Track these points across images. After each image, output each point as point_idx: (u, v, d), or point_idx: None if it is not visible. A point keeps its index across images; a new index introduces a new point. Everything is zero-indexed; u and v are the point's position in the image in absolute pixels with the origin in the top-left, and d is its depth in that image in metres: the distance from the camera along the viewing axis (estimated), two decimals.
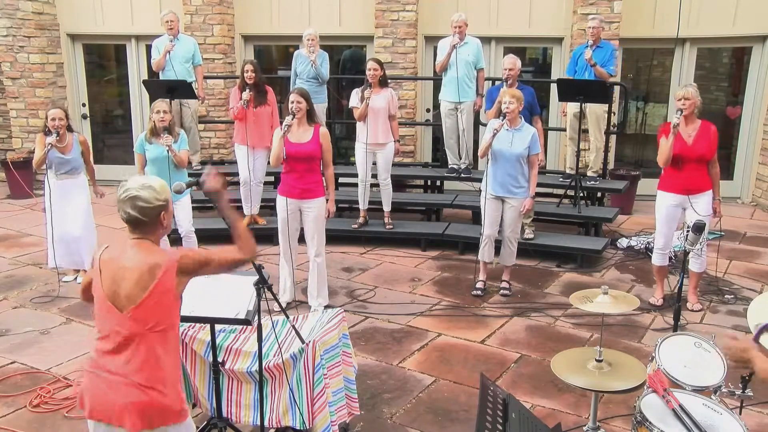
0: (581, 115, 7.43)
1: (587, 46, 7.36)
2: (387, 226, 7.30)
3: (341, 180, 8.19)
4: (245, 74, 6.90)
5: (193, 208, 6.24)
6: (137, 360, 2.53)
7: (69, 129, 5.95)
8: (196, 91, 7.96)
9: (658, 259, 5.71)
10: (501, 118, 5.47)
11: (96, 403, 2.57)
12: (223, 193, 2.80)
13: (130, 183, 2.59)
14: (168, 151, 5.66)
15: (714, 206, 5.43)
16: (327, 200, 5.47)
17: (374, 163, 7.06)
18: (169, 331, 2.60)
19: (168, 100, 6.28)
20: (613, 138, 8.50)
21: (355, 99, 6.81)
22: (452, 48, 7.13)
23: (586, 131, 7.75)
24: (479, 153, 5.79)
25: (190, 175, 6.39)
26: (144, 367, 2.53)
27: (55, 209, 5.95)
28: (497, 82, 7.85)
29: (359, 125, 6.89)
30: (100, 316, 2.59)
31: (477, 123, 7.70)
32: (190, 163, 6.86)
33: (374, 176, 7.15)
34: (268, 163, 7.05)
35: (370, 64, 6.77)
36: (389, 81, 7.09)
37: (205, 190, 2.80)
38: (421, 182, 8.76)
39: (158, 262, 2.54)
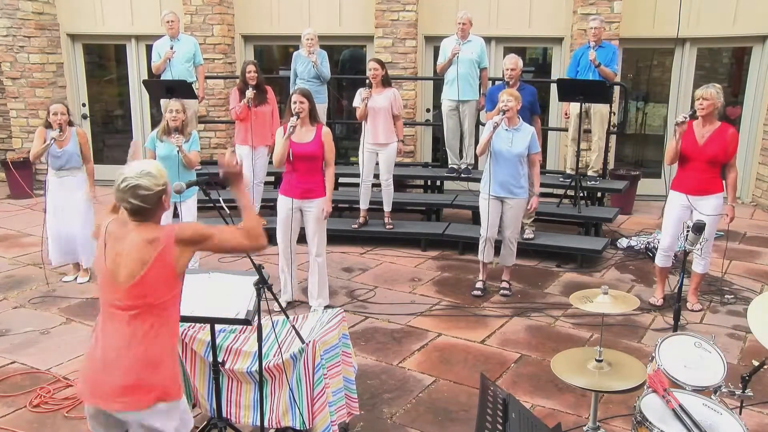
0: (583, 115, 7.44)
1: (589, 47, 7.36)
2: (387, 226, 7.30)
3: (341, 180, 8.19)
4: (247, 74, 6.92)
5: (197, 209, 6.23)
6: (135, 333, 2.55)
7: (69, 123, 5.97)
8: (196, 91, 7.97)
9: (661, 260, 5.69)
10: (501, 114, 5.48)
11: (92, 388, 2.59)
12: (240, 176, 2.80)
13: (128, 171, 2.59)
14: (178, 152, 5.67)
15: (726, 210, 5.31)
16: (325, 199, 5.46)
17: (377, 163, 7.06)
18: (170, 308, 2.62)
19: (181, 99, 6.29)
20: (613, 138, 8.50)
21: (358, 98, 6.81)
22: (453, 55, 7.14)
23: (587, 131, 7.75)
24: (478, 150, 5.79)
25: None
26: (142, 341, 2.55)
27: (55, 207, 5.96)
28: (497, 82, 7.85)
29: (363, 125, 6.90)
30: (102, 288, 2.63)
31: (478, 123, 7.70)
32: None
33: (376, 176, 7.15)
34: (270, 162, 7.06)
35: (370, 64, 6.77)
36: (391, 81, 7.09)
37: (224, 172, 2.78)
38: (421, 182, 8.76)
39: (157, 236, 2.57)
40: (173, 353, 2.67)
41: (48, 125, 5.85)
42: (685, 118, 5.18)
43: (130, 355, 2.54)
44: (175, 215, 6.02)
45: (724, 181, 5.38)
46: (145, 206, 2.58)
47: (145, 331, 2.56)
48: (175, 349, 2.70)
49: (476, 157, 6.89)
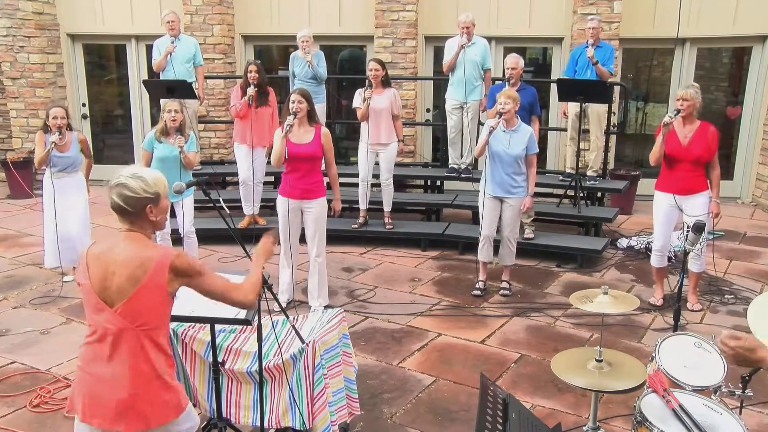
0: (582, 115, 7.45)
1: (586, 46, 7.37)
2: (387, 226, 7.30)
3: (341, 180, 8.14)
4: (249, 74, 6.91)
5: (194, 209, 6.24)
6: (127, 356, 2.50)
7: (69, 127, 5.96)
8: (196, 91, 7.96)
9: (656, 261, 5.71)
10: (497, 116, 5.48)
11: (89, 406, 2.53)
12: (269, 255, 2.98)
13: (124, 171, 2.58)
14: (179, 152, 5.67)
15: (711, 207, 5.38)
16: (332, 199, 5.48)
17: (377, 163, 7.06)
18: (160, 329, 2.58)
19: (180, 100, 6.29)
20: (613, 138, 8.50)
21: (357, 99, 6.80)
22: (460, 48, 7.13)
23: (586, 131, 7.76)
24: (475, 152, 5.81)
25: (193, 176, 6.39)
26: (134, 363, 2.50)
27: (53, 208, 5.95)
28: (497, 82, 7.86)
29: (363, 125, 6.89)
30: (89, 313, 2.57)
31: (479, 123, 7.70)
32: None
33: (375, 176, 7.15)
34: (268, 162, 7.05)
35: (371, 65, 6.77)
36: (391, 81, 7.08)
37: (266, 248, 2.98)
38: (421, 182, 8.76)
39: (151, 256, 2.50)
40: (170, 374, 2.61)
41: (46, 129, 5.84)
42: (671, 118, 5.22)
43: (126, 378, 2.49)
44: (173, 215, 6.02)
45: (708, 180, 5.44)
46: (125, 207, 2.52)
47: (138, 355, 2.50)
48: (172, 366, 2.66)
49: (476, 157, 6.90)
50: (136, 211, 2.54)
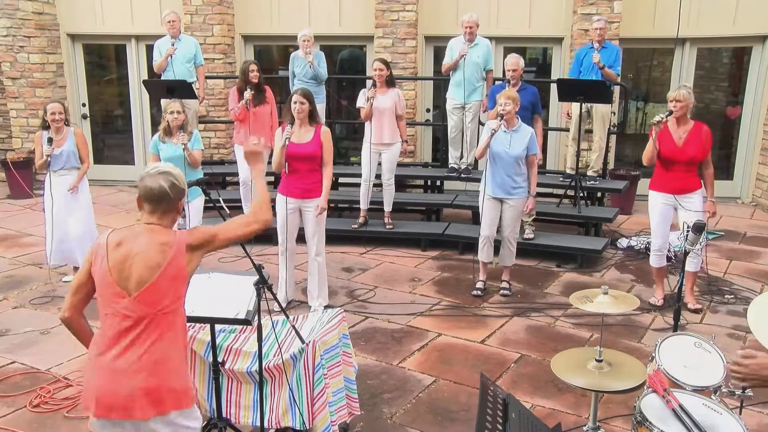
0: (586, 115, 7.43)
1: (592, 48, 7.32)
2: (387, 226, 7.30)
3: (341, 180, 8.19)
4: (250, 74, 6.92)
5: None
6: (146, 343, 2.51)
7: (66, 122, 5.97)
8: (196, 91, 7.96)
9: (655, 261, 5.71)
10: (498, 118, 5.48)
11: (102, 398, 2.52)
12: (260, 158, 2.98)
13: (158, 164, 2.66)
14: (183, 150, 5.67)
15: (707, 207, 5.37)
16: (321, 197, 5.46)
17: (379, 163, 7.05)
18: (178, 311, 2.60)
19: (181, 100, 6.29)
20: (613, 138, 8.50)
21: (361, 99, 6.79)
22: (461, 56, 7.11)
23: (588, 131, 7.75)
24: (476, 154, 5.81)
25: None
26: (153, 350, 2.51)
27: (55, 207, 5.96)
28: (497, 82, 7.86)
29: (366, 125, 6.88)
30: (105, 302, 2.55)
31: (480, 123, 7.71)
32: None
33: (377, 176, 7.14)
34: (268, 162, 7.05)
35: (375, 64, 6.76)
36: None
37: (247, 151, 3.02)
38: (421, 182, 8.76)
39: (169, 241, 2.55)
40: (184, 361, 2.63)
41: (45, 126, 5.86)
42: (662, 118, 5.23)
43: (142, 364, 2.49)
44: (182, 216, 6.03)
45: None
46: (169, 195, 2.57)
47: (155, 340, 2.51)
48: (186, 357, 2.67)
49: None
50: (174, 200, 2.61)
